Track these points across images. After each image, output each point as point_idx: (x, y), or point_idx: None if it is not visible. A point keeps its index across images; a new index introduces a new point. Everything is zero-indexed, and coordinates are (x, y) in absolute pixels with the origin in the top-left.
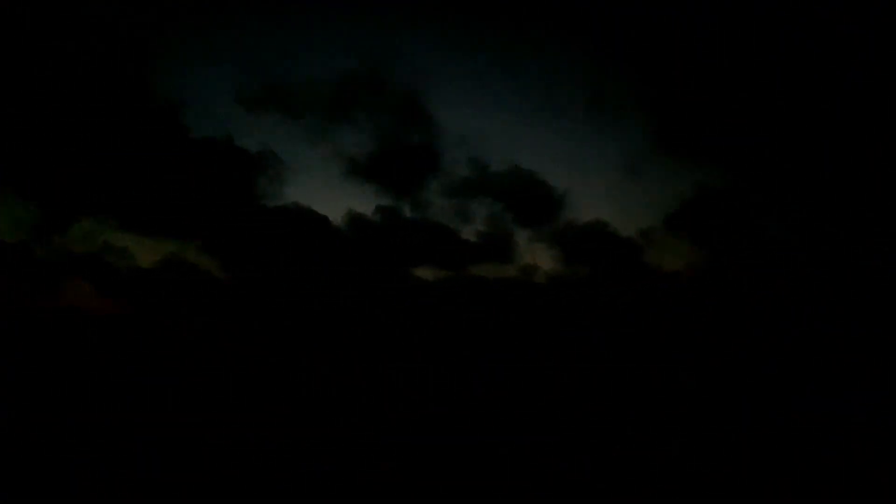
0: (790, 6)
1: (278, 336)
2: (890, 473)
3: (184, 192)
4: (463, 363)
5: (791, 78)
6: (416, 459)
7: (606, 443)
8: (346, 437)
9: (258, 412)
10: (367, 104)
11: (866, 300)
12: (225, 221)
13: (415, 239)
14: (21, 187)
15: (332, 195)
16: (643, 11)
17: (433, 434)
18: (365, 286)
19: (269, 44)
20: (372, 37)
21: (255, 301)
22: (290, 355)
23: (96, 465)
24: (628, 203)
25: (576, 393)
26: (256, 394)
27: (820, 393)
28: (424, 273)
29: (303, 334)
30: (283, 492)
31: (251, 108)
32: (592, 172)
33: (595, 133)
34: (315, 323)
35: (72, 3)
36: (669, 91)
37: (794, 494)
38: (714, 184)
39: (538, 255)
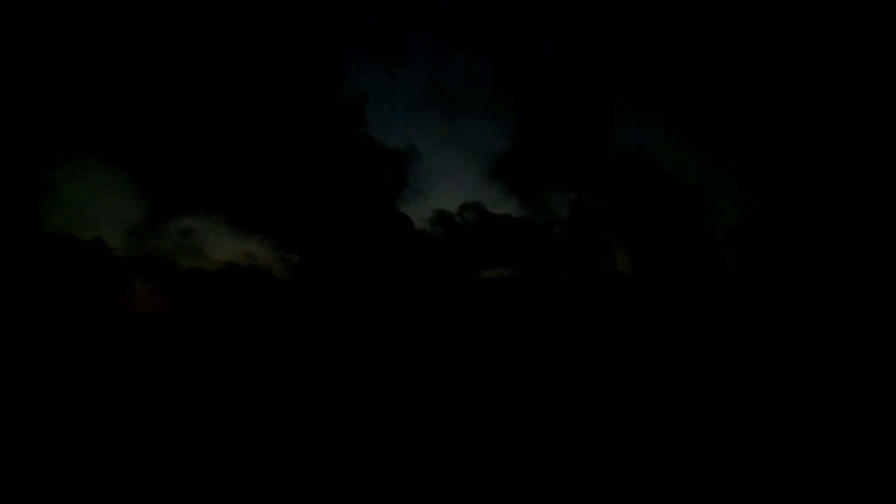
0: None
1: (340, 338)
2: None
3: (306, 192)
4: (530, 365)
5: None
6: (490, 459)
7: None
8: (410, 438)
9: (318, 416)
10: (516, 101)
11: None
12: (342, 223)
13: (524, 239)
14: (136, 181)
15: (463, 194)
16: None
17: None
18: (450, 286)
19: (426, 42)
20: (528, 37)
21: (334, 299)
22: (348, 358)
23: (138, 470)
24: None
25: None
26: (315, 397)
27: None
28: (514, 274)
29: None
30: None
31: (403, 106)
32: (725, 172)
33: (728, 132)
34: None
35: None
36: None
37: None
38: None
39: (638, 253)
